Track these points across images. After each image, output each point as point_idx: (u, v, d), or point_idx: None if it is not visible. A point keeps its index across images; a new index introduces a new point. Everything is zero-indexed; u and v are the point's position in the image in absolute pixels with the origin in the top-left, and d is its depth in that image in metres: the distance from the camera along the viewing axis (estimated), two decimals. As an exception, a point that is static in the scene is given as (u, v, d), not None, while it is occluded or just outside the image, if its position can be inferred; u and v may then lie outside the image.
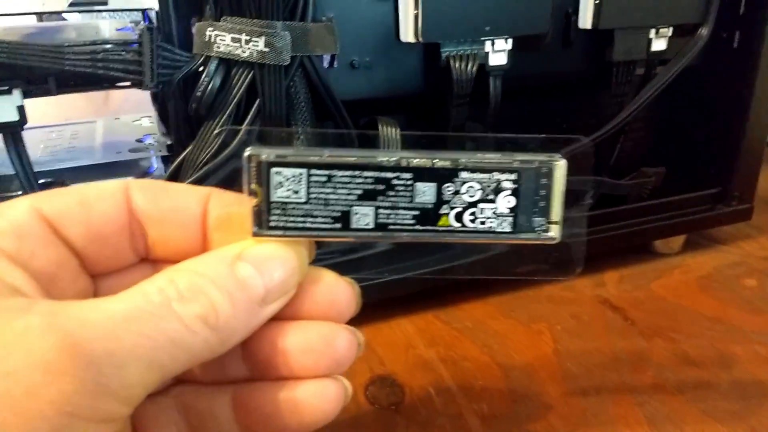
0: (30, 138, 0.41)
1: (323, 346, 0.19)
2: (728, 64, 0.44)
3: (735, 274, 0.43)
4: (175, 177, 0.32)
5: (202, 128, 0.31)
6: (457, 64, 0.35)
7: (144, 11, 0.37)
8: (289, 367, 0.19)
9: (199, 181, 0.30)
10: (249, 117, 0.31)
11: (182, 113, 0.32)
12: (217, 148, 0.30)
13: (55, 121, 0.47)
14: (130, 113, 0.50)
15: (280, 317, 0.19)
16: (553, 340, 0.36)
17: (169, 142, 0.40)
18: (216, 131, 0.30)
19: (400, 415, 0.30)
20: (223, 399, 0.20)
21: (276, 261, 0.18)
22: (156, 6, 0.32)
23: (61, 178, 0.35)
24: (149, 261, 0.21)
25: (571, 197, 0.18)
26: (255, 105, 0.31)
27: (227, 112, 0.30)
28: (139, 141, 0.41)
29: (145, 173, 0.36)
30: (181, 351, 0.16)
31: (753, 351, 0.35)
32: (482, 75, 0.36)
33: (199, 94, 0.30)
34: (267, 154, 0.18)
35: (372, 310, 0.36)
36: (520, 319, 0.38)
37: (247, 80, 0.30)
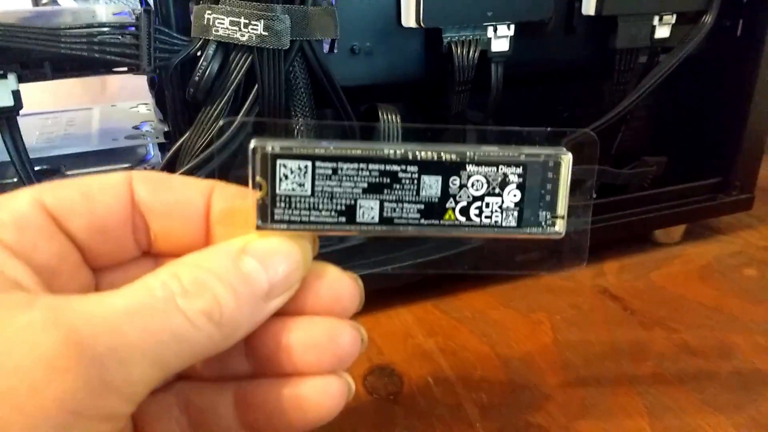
0: (25, 125, 0.40)
1: (327, 342, 0.19)
2: (731, 52, 0.43)
3: (735, 264, 0.43)
4: (172, 163, 0.31)
5: (199, 114, 0.30)
6: (458, 51, 0.34)
7: (141, -5, 0.36)
8: (293, 363, 0.19)
9: (196, 168, 0.29)
10: (248, 103, 0.30)
11: (179, 99, 0.31)
12: (215, 134, 0.30)
13: (51, 108, 0.47)
14: (127, 101, 0.49)
15: (283, 312, 0.19)
16: (553, 330, 0.36)
17: (166, 129, 0.39)
18: (214, 118, 0.30)
19: (399, 405, 0.30)
20: (225, 395, 0.20)
21: (280, 255, 0.18)
22: (153, -11, 0.31)
23: (57, 165, 0.35)
24: (151, 255, 0.21)
25: (577, 190, 0.18)
26: (254, 90, 0.30)
27: (225, 97, 0.30)
28: (136, 128, 0.40)
29: (142, 160, 0.35)
30: (184, 346, 0.16)
31: (753, 341, 0.35)
32: (484, 61, 0.35)
33: (196, 78, 0.29)
34: (272, 145, 0.17)
35: (370, 299, 0.36)
36: (520, 309, 0.38)
37: (246, 65, 0.30)
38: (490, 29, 0.35)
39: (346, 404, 0.20)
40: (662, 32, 0.39)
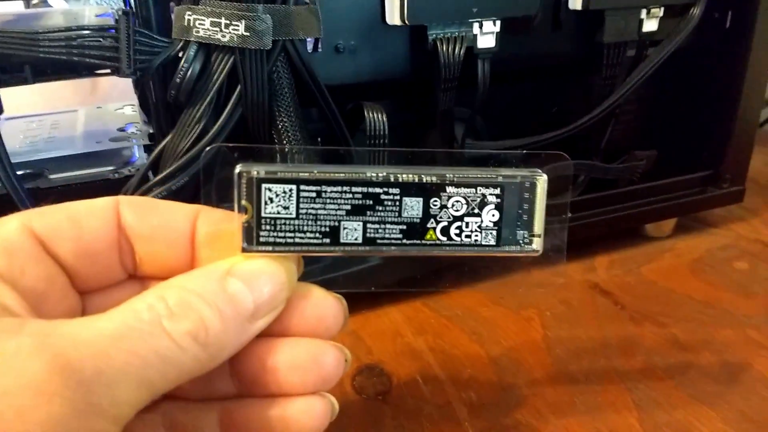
0: (9, 128, 0.40)
1: (311, 364, 0.19)
2: (720, 45, 0.43)
3: (726, 257, 0.43)
4: (155, 166, 0.31)
5: (182, 116, 0.30)
6: (444, 48, 0.34)
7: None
8: (277, 384, 0.19)
9: (178, 170, 0.29)
10: (230, 104, 0.30)
11: (162, 101, 0.31)
12: (197, 135, 0.30)
13: (40, 110, 0.46)
14: (117, 101, 0.49)
15: (268, 333, 0.19)
16: (543, 327, 0.36)
17: (150, 131, 0.39)
18: (197, 119, 0.29)
19: (388, 405, 0.30)
20: (210, 416, 0.20)
21: (265, 276, 0.18)
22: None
23: (40, 168, 0.34)
24: (137, 278, 0.21)
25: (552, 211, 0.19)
26: (236, 91, 0.30)
27: (207, 99, 0.29)
28: (121, 130, 0.40)
29: (127, 163, 0.35)
30: (171, 368, 0.16)
31: (744, 335, 0.35)
32: (470, 58, 0.35)
33: (178, 80, 0.29)
34: (257, 170, 0.18)
35: (360, 298, 0.36)
36: (510, 306, 0.38)
37: (228, 66, 0.29)
38: (476, 25, 0.34)
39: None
40: (650, 26, 0.39)
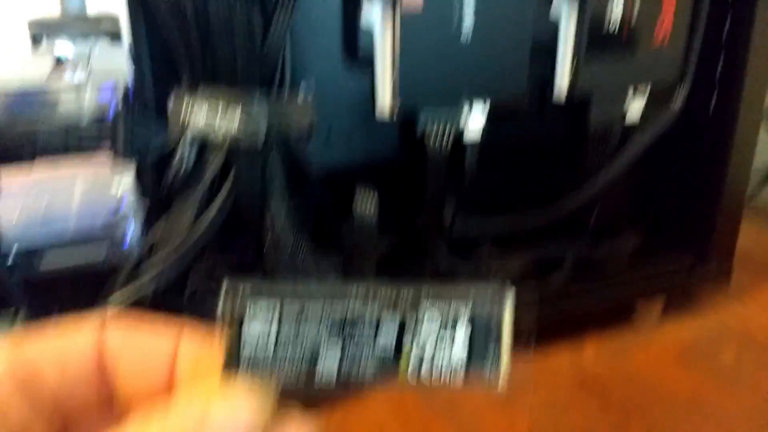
0: (5, 205, 0.40)
1: None
2: (705, 126, 0.44)
3: (712, 351, 0.42)
4: (148, 255, 0.31)
5: (173, 207, 0.31)
6: (432, 140, 0.35)
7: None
8: None
9: (170, 268, 0.29)
10: (222, 195, 0.31)
11: (156, 191, 0.32)
12: (190, 225, 0.30)
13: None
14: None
15: None
16: (529, 419, 0.35)
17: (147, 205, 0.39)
18: (189, 212, 0.30)
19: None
20: None
21: (244, 410, 0.18)
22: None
23: (32, 258, 0.35)
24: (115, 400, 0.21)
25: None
26: (229, 180, 0.30)
27: (200, 191, 0.30)
28: (118, 202, 0.40)
29: (120, 245, 0.35)
30: None
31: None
32: (459, 144, 0.36)
33: (171, 178, 0.29)
34: (243, 286, 0.18)
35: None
36: (497, 397, 0.37)
37: (221, 160, 0.30)
38: (465, 112, 0.35)
39: None
40: (634, 114, 0.40)
